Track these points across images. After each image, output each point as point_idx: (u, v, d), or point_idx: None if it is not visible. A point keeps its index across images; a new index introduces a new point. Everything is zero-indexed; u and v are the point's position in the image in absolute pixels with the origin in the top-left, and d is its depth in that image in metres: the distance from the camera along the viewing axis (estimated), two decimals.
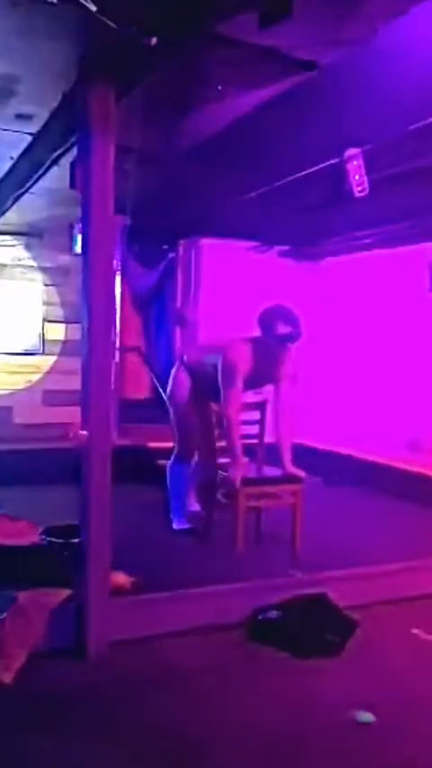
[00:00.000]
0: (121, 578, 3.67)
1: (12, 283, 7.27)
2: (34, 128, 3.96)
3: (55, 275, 7.34)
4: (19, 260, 7.26)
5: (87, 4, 2.33)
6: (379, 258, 7.33)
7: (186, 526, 5.17)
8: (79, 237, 4.92)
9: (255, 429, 5.17)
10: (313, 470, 6.79)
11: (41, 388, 7.35)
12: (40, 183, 4.63)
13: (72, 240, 7.02)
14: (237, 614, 3.61)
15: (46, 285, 7.37)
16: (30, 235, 7.19)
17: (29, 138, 4.16)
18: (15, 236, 7.17)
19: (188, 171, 4.89)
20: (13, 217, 6.06)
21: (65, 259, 7.20)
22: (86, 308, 3.28)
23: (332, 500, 6.55)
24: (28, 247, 7.26)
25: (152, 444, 7.15)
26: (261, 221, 6.64)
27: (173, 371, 5.22)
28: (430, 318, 6.84)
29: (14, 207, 5.45)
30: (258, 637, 3.49)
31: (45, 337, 7.40)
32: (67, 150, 3.76)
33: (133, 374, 8.04)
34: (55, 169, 4.17)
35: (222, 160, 4.59)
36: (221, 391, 4.68)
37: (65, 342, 7.33)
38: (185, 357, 5.15)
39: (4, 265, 7.22)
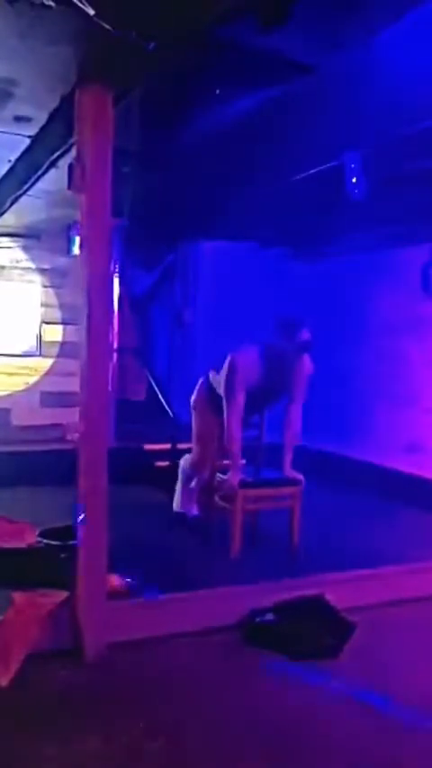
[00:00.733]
0: (117, 580, 3.67)
1: (10, 285, 7.27)
2: (32, 130, 3.97)
3: (53, 277, 7.35)
4: (17, 262, 7.26)
5: (85, 8, 2.33)
6: (377, 260, 7.35)
7: (183, 511, 5.29)
8: (77, 239, 4.93)
9: (254, 431, 5.16)
10: (311, 472, 6.80)
11: (39, 389, 7.35)
12: (39, 184, 4.63)
13: (70, 242, 7.03)
14: (233, 616, 3.60)
15: (44, 287, 7.37)
16: (28, 236, 7.19)
17: (27, 141, 4.17)
18: (13, 238, 7.17)
19: (186, 173, 4.90)
20: (11, 218, 6.06)
21: (63, 261, 7.20)
22: (85, 309, 3.28)
23: (330, 502, 6.55)
24: (26, 249, 7.26)
25: (149, 446, 7.16)
26: (259, 223, 6.64)
27: (198, 383, 5.17)
28: (424, 319, 6.86)
29: (12, 209, 5.46)
30: (255, 639, 3.49)
31: (43, 339, 7.40)
32: (66, 152, 3.76)
33: (131, 376, 8.04)
34: (53, 171, 4.17)
35: (220, 162, 4.59)
36: (223, 397, 4.63)
37: (63, 343, 7.34)
38: (211, 374, 5.00)
39: (2, 267, 7.22)
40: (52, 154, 3.91)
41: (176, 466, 5.58)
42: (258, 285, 7.86)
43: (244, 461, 4.93)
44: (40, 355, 7.38)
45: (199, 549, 4.83)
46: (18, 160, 4.55)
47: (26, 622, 3.23)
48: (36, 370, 7.36)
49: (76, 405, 3.39)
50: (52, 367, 7.37)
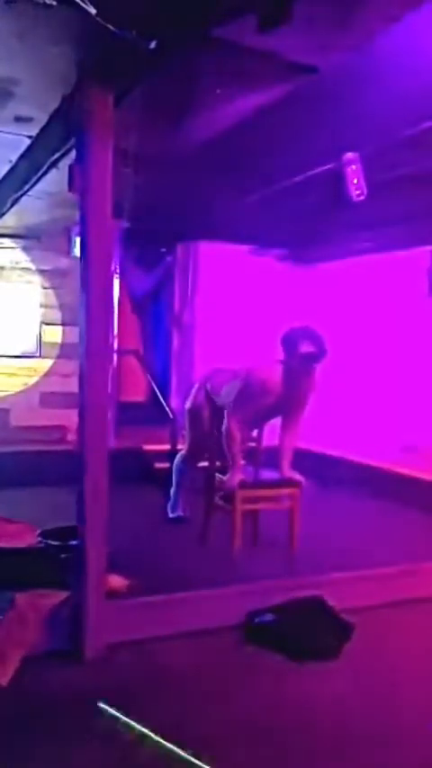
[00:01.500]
0: (117, 581, 3.67)
1: (9, 286, 7.27)
2: (33, 130, 3.97)
3: (53, 278, 7.35)
4: (17, 262, 7.27)
5: (87, 7, 2.34)
6: (377, 262, 7.35)
7: (177, 515, 5.38)
8: (77, 240, 4.93)
9: (253, 432, 5.16)
10: (310, 474, 6.80)
11: (39, 390, 7.35)
12: (39, 185, 4.63)
13: (70, 243, 7.04)
14: (233, 617, 3.60)
15: (44, 288, 7.38)
16: (28, 237, 7.20)
17: (27, 141, 4.17)
18: (13, 239, 7.18)
19: (186, 174, 4.90)
20: (11, 219, 6.07)
21: (63, 262, 7.21)
22: (84, 310, 3.28)
23: (329, 503, 6.55)
24: (26, 250, 7.27)
25: (149, 447, 7.16)
26: (259, 225, 6.65)
27: (194, 389, 5.20)
28: (429, 323, 6.86)
29: (13, 209, 5.46)
30: (254, 640, 3.49)
31: (42, 340, 7.41)
32: (66, 153, 3.77)
33: (131, 377, 8.05)
34: (53, 172, 4.18)
35: (221, 164, 4.60)
36: (231, 402, 4.64)
37: (62, 344, 7.34)
38: (209, 385, 5.01)
39: (2, 268, 7.23)
40: (53, 154, 3.91)
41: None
42: (257, 287, 7.87)
43: (244, 462, 4.93)
44: (40, 356, 7.38)
45: (199, 549, 4.83)
46: (18, 160, 4.55)
47: (26, 622, 3.23)
48: (36, 371, 7.36)
49: (76, 406, 3.39)
50: (52, 368, 7.37)
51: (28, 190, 4.78)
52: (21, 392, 7.30)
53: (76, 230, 5.99)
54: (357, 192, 4.20)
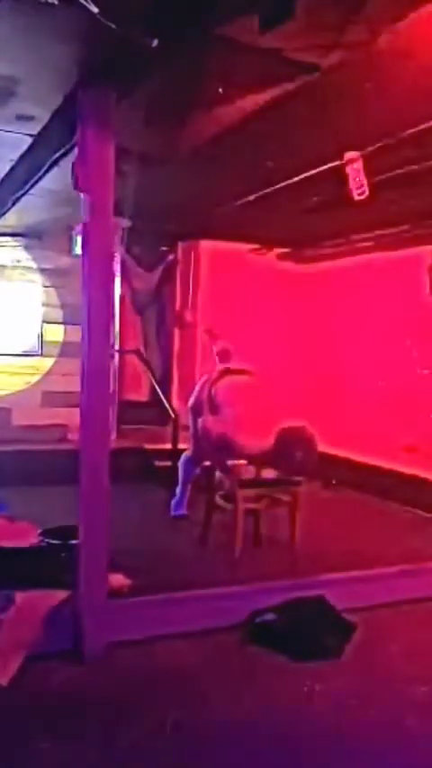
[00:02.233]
0: (118, 580, 3.67)
1: (11, 285, 7.27)
2: (35, 129, 3.96)
3: (54, 277, 7.34)
4: (18, 261, 7.26)
5: (89, 6, 2.33)
6: (378, 262, 7.34)
7: (180, 513, 5.47)
8: (79, 239, 4.92)
9: None
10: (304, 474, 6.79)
11: (40, 389, 7.35)
12: (40, 184, 4.62)
13: (71, 242, 7.02)
14: (234, 617, 3.60)
15: (45, 287, 7.37)
16: (29, 236, 7.19)
17: (29, 140, 4.16)
18: (15, 238, 7.17)
19: (188, 173, 4.89)
20: (12, 218, 6.06)
21: (64, 261, 7.20)
22: (86, 309, 3.28)
23: (330, 503, 6.55)
24: (27, 249, 7.26)
25: (150, 446, 7.16)
26: (260, 223, 6.64)
27: (197, 386, 5.24)
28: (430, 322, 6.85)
29: (14, 208, 5.45)
30: (256, 639, 3.48)
31: (44, 339, 7.40)
32: (68, 152, 3.76)
33: (132, 376, 8.05)
34: (55, 170, 4.17)
35: (222, 162, 4.59)
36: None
37: (64, 343, 7.33)
38: (213, 390, 5.01)
39: (4, 267, 7.22)
40: (54, 153, 3.90)
41: (177, 466, 5.61)
42: (258, 286, 7.87)
43: (245, 462, 4.93)
44: (42, 355, 7.38)
45: (200, 548, 4.83)
46: (20, 159, 4.54)
47: (27, 622, 3.23)
48: (37, 370, 7.36)
49: (78, 405, 3.39)
50: (53, 367, 7.37)
51: (29, 188, 4.78)
52: (22, 391, 7.30)
53: (78, 229, 5.98)
54: (359, 191, 4.19)
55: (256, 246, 7.94)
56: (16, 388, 7.28)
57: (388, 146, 4.00)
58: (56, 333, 7.41)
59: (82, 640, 3.25)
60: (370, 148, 4.06)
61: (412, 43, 2.83)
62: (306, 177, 4.69)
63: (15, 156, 4.50)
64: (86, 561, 3.29)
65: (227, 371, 5.00)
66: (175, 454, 6.27)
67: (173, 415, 6.58)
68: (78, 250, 4.87)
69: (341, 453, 7.44)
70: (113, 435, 6.62)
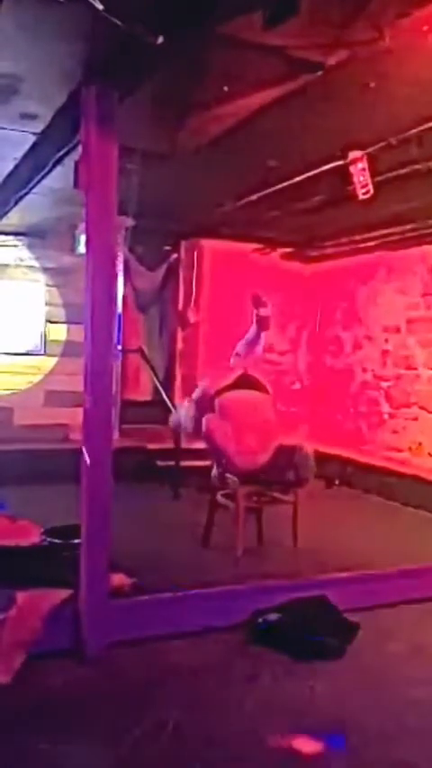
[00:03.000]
0: (120, 579, 3.66)
1: (14, 284, 7.26)
2: (38, 127, 3.96)
3: (57, 276, 7.33)
4: (21, 260, 7.26)
5: (94, 3, 2.32)
6: (381, 260, 7.33)
7: None
8: (82, 238, 4.91)
9: None
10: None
11: (43, 388, 7.34)
12: (44, 182, 4.62)
13: (74, 241, 7.02)
14: (236, 616, 3.59)
15: (48, 286, 7.36)
16: (32, 235, 7.18)
17: (32, 138, 4.16)
18: (18, 237, 7.16)
19: (192, 172, 4.89)
20: (15, 217, 6.05)
21: (67, 260, 7.19)
22: (89, 308, 3.27)
23: (333, 503, 6.54)
24: (30, 247, 7.25)
25: (152, 445, 7.15)
26: (264, 222, 6.63)
27: (200, 384, 5.23)
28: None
29: (17, 207, 5.45)
30: (258, 639, 3.47)
31: (47, 338, 7.40)
32: (71, 150, 3.75)
33: (135, 375, 8.04)
34: (59, 169, 4.16)
35: (226, 161, 4.58)
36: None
37: (67, 343, 7.33)
38: (221, 397, 4.95)
39: (7, 266, 7.21)
40: (58, 151, 3.90)
41: (179, 466, 5.60)
42: (261, 285, 7.85)
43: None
44: (44, 354, 7.37)
45: (202, 547, 4.82)
46: (23, 158, 4.54)
47: (28, 621, 3.22)
48: (40, 369, 7.35)
49: (80, 404, 3.38)
50: (56, 366, 7.36)
51: (33, 187, 4.77)
52: (25, 390, 7.30)
53: (81, 228, 5.98)
54: (363, 191, 4.18)
55: (260, 246, 7.93)
56: (19, 388, 7.28)
57: (392, 145, 3.99)
58: (59, 332, 7.40)
59: (83, 639, 3.24)
60: (374, 147, 4.05)
61: (417, 41, 2.83)
62: (310, 176, 4.69)
63: (19, 154, 4.50)
64: (88, 560, 3.29)
65: (242, 380, 4.94)
66: (176, 453, 6.27)
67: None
68: (82, 249, 4.87)
69: (344, 453, 7.44)
70: (116, 435, 6.62)
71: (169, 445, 6.62)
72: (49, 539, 4.30)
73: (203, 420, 4.71)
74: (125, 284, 7.58)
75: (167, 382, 7.94)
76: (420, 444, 6.85)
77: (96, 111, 3.15)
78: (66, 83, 3.28)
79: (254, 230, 7.25)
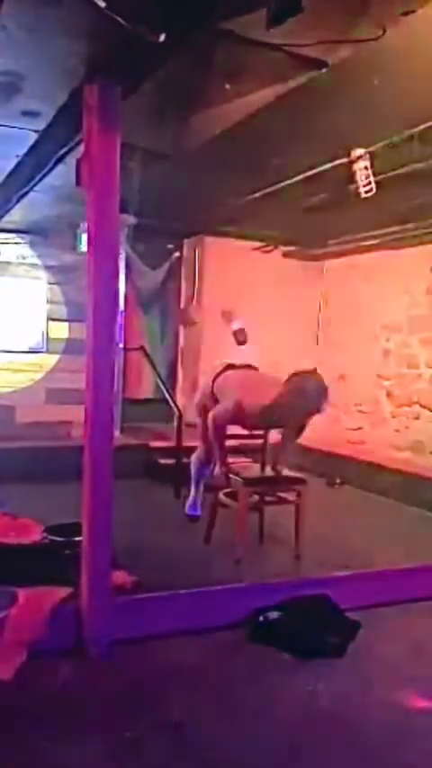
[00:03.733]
0: (122, 577, 3.66)
1: (16, 281, 7.27)
2: (40, 125, 3.95)
3: (59, 273, 7.34)
4: (23, 258, 7.25)
5: (97, 1, 2.32)
6: (383, 259, 7.33)
7: (194, 513, 5.39)
8: (84, 236, 4.90)
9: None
10: (316, 472, 6.80)
11: (45, 386, 7.35)
12: (46, 180, 4.62)
13: (76, 239, 7.02)
14: (238, 615, 3.59)
15: (50, 283, 7.36)
16: (34, 233, 7.18)
17: (34, 136, 4.15)
18: (20, 234, 7.16)
19: (194, 170, 4.88)
20: (17, 214, 6.05)
21: (69, 257, 7.19)
22: (91, 306, 3.27)
23: (334, 502, 6.54)
24: (32, 245, 7.25)
25: (154, 444, 7.16)
26: (266, 221, 6.63)
27: (202, 386, 5.24)
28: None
29: (19, 204, 5.45)
30: (259, 637, 3.47)
31: (49, 336, 7.40)
32: (73, 148, 3.75)
33: (136, 374, 8.04)
34: (60, 167, 4.16)
35: (228, 159, 4.58)
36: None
37: (68, 340, 7.33)
38: (215, 383, 4.99)
39: (9, 263, 7.21)
40: (60, 149, 3.89)
41: (181, 464, 5.59)
42: (263, 283, 7.85)
43: (250, 460, 4.93)
44: (46, 352, 7.38)
45: (204, 546, 4.82)
46: (25, 155, 4.54)
47: (29, 618, 3.22)
48: (41, 367, 7.36)
49: (82, 402, 3.38)
50: (57, 364, 7.36)
51: (34, 185, 4.77)
52: (27, 388, 7.30)
53: (83, 226, 5.97)
54: (366, 189, 4.18)
55: (262, 244, 7.93)
56: (21, 385, 7.28)
57: (395, 143, 3.98)
58: (60, 330, 7.40)
59: (85, 637, 3.24)
60: (377, 146, 4.05)
61: (421, 39, 2.82)
62: (313, 174, 4.68)
63: (21, 152, 4.49)
64: (90, 558, 3.29)
65: (229, 367, 4.98)
66: (179, 452, 6.27)
67: (177, 413, 6.57)
68: (83, 247, 4.86)
69: (346, 451, 7.44)
70: (117, 433, 6.62)
71: (171, 443, 6.62)
72: (50, 537, 4.30)
73: (209, 418, 4.69)
74: (127, 282, 7.58)
75: (169, 380, 7.95)
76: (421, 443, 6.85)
77: (98, 109, 3.15)
78: (68, 80, 3.28)
79: (256, 228, 7.24)
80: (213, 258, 8.00)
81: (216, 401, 4.87)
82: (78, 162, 3.29)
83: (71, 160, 3.89)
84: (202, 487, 5.42)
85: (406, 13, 2.57)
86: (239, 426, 4.73)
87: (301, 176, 4.77)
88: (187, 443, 6.40)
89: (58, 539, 4.17)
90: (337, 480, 7.12)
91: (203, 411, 5.00)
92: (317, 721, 2.82)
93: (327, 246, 7.64)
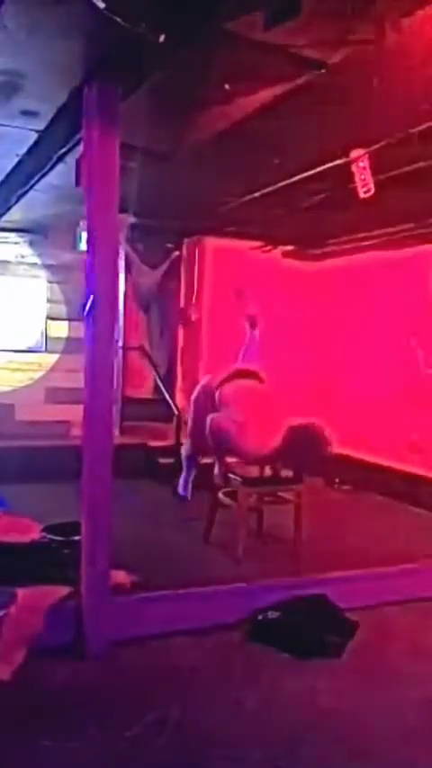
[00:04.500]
0: (121, 577, 3.66)
1: (15, 280, 7.27)
2: (40, 125, 3.95)
3: (58, 272, 7.34)
4: (23, 257, 7.26)
5: (95, 1, 2.32)
6: (384, 259, 7.32)
7: (183, 494, 5.75)
8: (84, 235, 4.89)
9: None
10: (316, 472, 6.80)
11: (44, 385, 7.35)
12: (45, 179, 4.62)
13: (76, 238, 7.02)
14: (237, 614, 3.60)
15: (49, 282, 7.36)
16: (34, 232, 7.18)
17: (34, 135, 4.15)
18: (19, 233, 7.16)
19: (193, 169, 4.88)
20: (17, 214, 6.05)
21: (68, 256, 7.19)
22: (90, 305, 3.27)
23: (333, 502, 6.54)
24: (32, 244, 7.25)
25: (153, 443, 7.16)
26: (266, 220, 6.62)
27: (203, 382, 5.28)
28: None
29: (19, 204, 5.45)
30: (258, 637, 3.48)
31: (48, 335, 7.40)
32: (73, 147, 3.75)
33: (135, 373, 8.04)
34: (60, 166, 4.16)
35: (227, 159, 4.57)
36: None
37: (68, 339, 7.33)
38: (219, 392, 4.98)
39: (8, 262, 7.21)
40: (59, 149, 3.89)
41: (180, 462, 5.64)
42: (263, 283, 7.85)
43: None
44: (45, 351, 7.38)
45: (203, 546, 4.82)
46: (25, 155, 4.54)
47: (29, 617, 3.23)
48: (41, 366, 7.36)
49: (81, 401, 3.38)
50: (57, 363, 7.36)
51: (34, 184, 4.77)
52: (26, 387, 7.30)
53: (83, 225, 5.97)
54: (364, 189, 4.17)
55: (261, 244, 7.92)
56: (20, 384, 7.28)
57: (394, 143, 3.98)
58: (60, 329, 7.40)
59: (84, 637, 3.25)
60: (376, 146, 4.04)
61: (419, 40, 2.82)
62: (312, 174, 4.68)
63: (21, 151, 4.49)
64: (89, 558, 3.29)
65: (236, 374, 4.96)
66: (178, 451, 6.27)
67: (176, 412, 6.57)
68: (83, 246, 4.86)
69: (344, 452, 7.43)
70: (116, 432, 6.62)
71: (170, 443, 6.63)
72: (49, 536, 4.30)
73: (207, 420, 4.70)
74: (126, 282, 7.58)
75: (169, 380, 7.94)
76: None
77: (98, 109, 3.15)
78: (68, 80, 3.28)
79: (256, 228, 7.23)
80: (213, 258, 7.99)
81: (213, 402, 4.86)
82: (78, 161, 3.30)
83: (71, 160, 3.91)
84: (193, 471, 5.63)
85: (404, 14, 2.57)
86: (235, 457, 4.78)
87: (300, 176, 4.77)
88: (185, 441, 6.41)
89: (58, 538, 4.17)
90: (337, 480, 7.12)
91: (200, 409, 5.00)
92: (316, 721, 2.82)
93: (326, 246, 7.63)
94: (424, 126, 3.75)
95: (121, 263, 7.12)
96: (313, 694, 3.02)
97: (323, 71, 2.97)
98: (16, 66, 3.18)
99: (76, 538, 3.52)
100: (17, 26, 2.74)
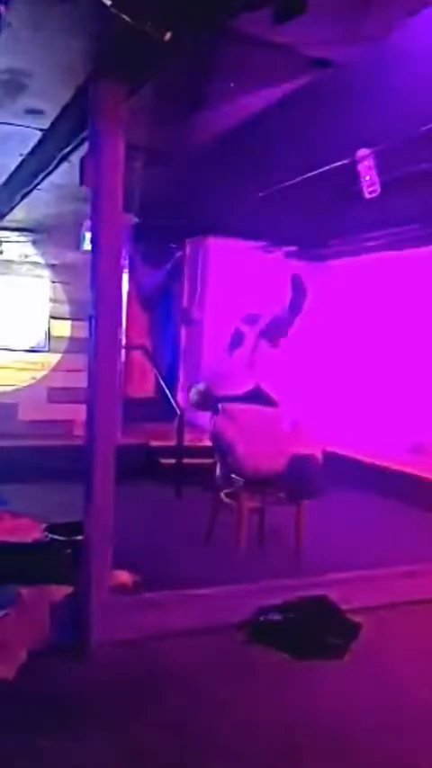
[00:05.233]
0: (123, 577, 3.66)
1: (19, 280, 7.27)
2: (44, 123, 3.95)
3: (62, 272, 7.34)
4: (26, 256, 7.25)
5: None
6: (388, 260, 7.31)
7: None
8: (87, 235, 4.89)
9: None
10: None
11: (47, 385, 7.35)
12: (50, 179, 4.62)
13: (79, 237, 7.01)
14: (238, 615, 3.59)
15: (53, 282, 7.36)
16: (37, 231, 7.18)
17: (39, 134, 4.15)
18: (23, 233, 7.16)
19: (197, 169, 4.87)
20: (21, 213, 6.06)
21: (72, 256, 7.18)
22: (94, 305, 3.26)
23: (335, 502, 6.52)
24: (35, 244, 7.25)
25: (156, 443, 7.15)
26: (270, 221, 6.62)
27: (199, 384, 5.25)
28: None
29: (23, 203, 5.45)
30: (260, 638, 3.47)
31: (51, 334, 7.40)
32: (77, 146, 3.75)
33: (138, 373, 8.04)
34: (64, 165, 4.16)
35: (232, 159, 4.57)
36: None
37: (71, 339, 7.33)
38: (218, 389, 5.01)
39: (12, 262, 7.21)
40: (64, 148, 3.89)
41: (182, 463, 5.60)
42: (266, 283, 7.84)
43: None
44: (48, 351, 7.38)
45: (204, 546, 4.81)
46: (29, 154, 4.53)
47: (30, 617, 3.22)
48: (44, 366, 7.36)
49: (84, 401, 3.38)
50: (60, 362, 7.36)
51: (38, 183, 4.77)
52: (29, 386, 7.30)
53: (87, 225, 5.97)
54: (370, 189, 4.17)
55: (265, 244, 7.91)
56: (23, 384, 7.28)
57: (400, 143, 3.97)
58: (63, 328, 7.40)
59: (86, 637, 3.24)
60: (382, 146, 4.04)
61: (426, 39, 2.81)
62: (317, 174, 4.67)
63: (25, 150, 4.49)
64: (91, 558, 3.29)
65: (253, 394, 4.91)
66: (180, 451, 6.27)
67: (179, 412, 6.56)
68: (87, 246, 4.86)
69: (347, 452, 7.42)
70: (119, 432, 6.61)
71: (172, 443, 6.62)
72: (51, 535, 4.29)
73: (211, 420, 4.69)
74: (130, 281, 7.58)
75: (171, 380, 7.94)
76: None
77: (103, 108, 3.15)
78: (72, 79, 3.27)
79: (259, 228, 7.23)
80: (216, 258, 7.99)
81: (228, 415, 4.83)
82: (82, 160, 3.29)
83: (75, 159, 3.90)
84: None
85: (411, 13, 2.56)
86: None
87: (305, 176, 4.76)
88: (188, 443, 6.40)
89: (60, 537, 4.17)
90: (338, 481, 7.09)
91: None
92: (317, 722, 2.81)
93: (330, 247, 7.62)
94: (430, 126, 3.74)
95: (125, 263, 7.11)
96: (314, 696, 3.01)
97: (329, 70, 2.96)
98: (21, 64, 3.18)
99: (79, 538, 3.52)
100: (22, 24, 2.74)
